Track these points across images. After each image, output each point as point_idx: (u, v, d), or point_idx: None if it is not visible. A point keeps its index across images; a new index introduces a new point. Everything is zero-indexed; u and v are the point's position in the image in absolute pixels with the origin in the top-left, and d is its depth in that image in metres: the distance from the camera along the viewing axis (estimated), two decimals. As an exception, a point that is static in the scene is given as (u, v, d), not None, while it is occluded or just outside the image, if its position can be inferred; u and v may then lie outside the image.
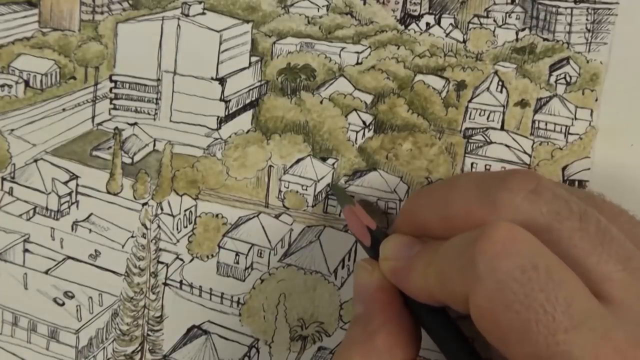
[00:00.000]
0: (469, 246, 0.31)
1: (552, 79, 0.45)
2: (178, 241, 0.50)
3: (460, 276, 0.32)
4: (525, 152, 0.46)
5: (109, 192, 0.50)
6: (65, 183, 0.50)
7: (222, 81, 0.48)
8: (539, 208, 0.33)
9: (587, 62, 0.45)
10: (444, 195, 0.37)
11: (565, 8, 0.45)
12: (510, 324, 0.29)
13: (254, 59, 0.48)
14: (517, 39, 0.45)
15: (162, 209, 0.50)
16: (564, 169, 0.45)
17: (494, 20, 0.45)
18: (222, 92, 0.48)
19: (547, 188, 0.34)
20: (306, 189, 0.49)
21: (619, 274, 0.31)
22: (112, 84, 0.49)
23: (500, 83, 0.46)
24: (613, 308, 0.30)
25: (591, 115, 0.45)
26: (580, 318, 0.29)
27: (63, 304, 0.51)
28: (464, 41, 0.46)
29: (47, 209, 0.50)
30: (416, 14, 0.46)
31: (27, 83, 0.49)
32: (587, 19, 0.44)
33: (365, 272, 0.39)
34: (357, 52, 0.47)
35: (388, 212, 0.48)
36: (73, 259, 0.51)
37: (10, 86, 0.49)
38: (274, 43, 0.48)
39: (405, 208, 0.41)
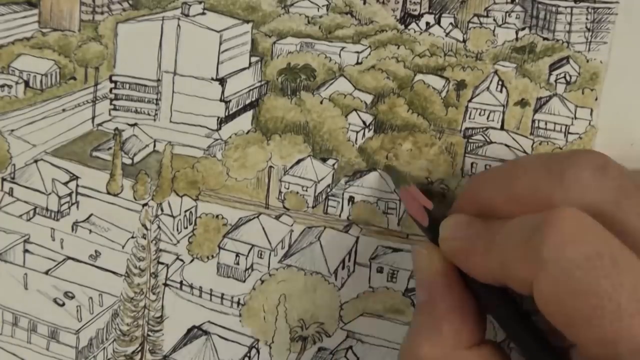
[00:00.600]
0: (534, 232, 0.31)
1: (552, 79, 0.45)
2: (178, 242, 0.50)
3: (524, 262, 0.32)
4: (525, 152, 0.46)
5: (109, 193, 0.50)
6: (66, 184, 0.50)
7: (222, 81, 0.48)
8: (606, 183, 0.33)
9: (587, 61, 0.45)
10: (509, 174, 0.37)
11: (565, 7, 0.45)
12: (575, 310, 0.30)
13: (254, 59, 0.48)
14: (517, 38, 0.45)
15: (162, 210, 0.50)
16: (564, 168, 0.45)
17: (494, 20, 0.45)
18: (222, 92, 0.48)
19: (614, 166, 0.34)
20: (306, 190, 0.48)
21: None
22: (112, 85, 0.49)
23: (500, 82, 0.46)
24: None
25: (591, 114, 0.45)
26: None
27: (63, 305, 0.51)
28: (464, 41, 0.46)
29: (47, 209, 0.50)
30: (416, 13, 0.46)
31: (27, 83, 0.49)
32: (587, 18, 0.44)
33: (423, 257, 0.39)
34: (357, 52, 0.47)
35: (388, 212, 0.48)
36: (73, 259, 0.51)
37: (10, 86, 0.49)
38: (274, 43, 0.48)
39: (467, 188, 0.41)
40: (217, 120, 0.49)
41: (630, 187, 0.33)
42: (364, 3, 0.47)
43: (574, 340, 0.31)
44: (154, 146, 0.49)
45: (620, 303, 0.29)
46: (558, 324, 0.31)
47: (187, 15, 0.48)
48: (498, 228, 0.35)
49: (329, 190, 0.48)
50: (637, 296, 0.29)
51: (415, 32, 0.46)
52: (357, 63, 0.47)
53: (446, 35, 0.46)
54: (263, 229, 0.49)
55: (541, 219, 0.31)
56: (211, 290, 0.50)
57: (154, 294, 0.50)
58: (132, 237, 0.50)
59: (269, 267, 0.49)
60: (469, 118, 0.46)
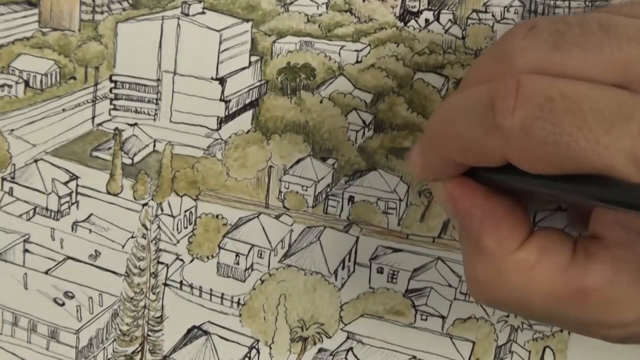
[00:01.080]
0: (486, 112, 0.31)
1: (551, 75, 0.44)
2: (178, 242, 0.50)
3: (487, 141, 0.31)
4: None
5: (109, 193, 0.50)
6: (65, 183, 0.50)
7: (222, 81, 0.48)
8: (540, 37, 0.32)
9: (586, 56, 0.44)
10: (466, 75, 0.37)
11: (563, 1, 0.44)
12: (556, 157, 0.29)
13: (253, 58, 0.48)
14: (515, 35, 0.45)
15: (162, 210, 0.49)
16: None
17: (493, 15, 0.45)
18: (222, 92, 0.48)
19: (542, 19, 0.33)
20: (306, 190, 0.48)
21: (635, 50, 0.30)
22: (112, 84, 0.49)
23: (499, 80, 0.45)
24: None
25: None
26: (615, 114, 0.28)
27: (63, 304, 0.51)
28: (463, 37, 0.45)
29: (47, 209, 0.50)
30: (415, 10, 0.46)
31: (27, 83, 0.49)
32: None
33: (439, 189, 0.37)
34: (357, 51, 0.47)
35: (388, 212, 0.47)
36: (73, 259, 0.51)
37: (10, 86, 0.49)
38: (274, 42, 0.48)
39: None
40: (217, 120, 0.48)
41: (561, 27, 0.32)
42: (363, 0, 0.46)
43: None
44: (154, 146, 0.49)
45: (591, 127, 0.28)
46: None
47: (186, 15, 0.48)
48: (436, 119, 0.34)
49: (328, 190, 0.48)
50: (603, 113, 0.28)
51: (414, 29, 0.46)
52: (357, 62, 0.47)
53: (445, 32, 0.45)
54: (263, 228, 0.49)
55: (487, 93, 0.31)
56: (211, 290, 0.50)
57: (154, 293, 0.50)
58: (132, 237, 0.50)
59: (269, 267, 0.49)
60: (469, 116, 0.46)
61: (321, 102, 0.47)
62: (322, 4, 0.47)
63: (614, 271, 0.33)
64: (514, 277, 0.34)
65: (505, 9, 0.45)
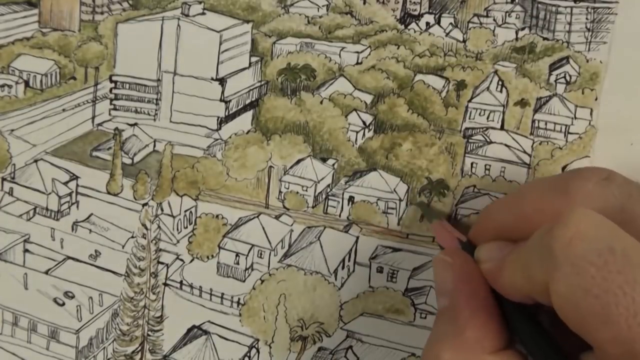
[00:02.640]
0: (546, 234, 0.31)
1: (552, 78, 0.45)
2: (178, 242, 0.50)
3: (540, 265, 0.32)
4: (525, 152, 0.46)
5: (109, 193, 0.50)
6: (66, 183, 0.50)
7: (222, 81, 0.48)
8: (612, 192, 0.33)
9: (587, 61, 0.45)
10: (517, 196, 0.38)
11: (565, 7, 0.45)
12: (590, 308, 0.29)
13: (254, 59, 0.48)
14: (516, 38, 0.45)
15: (162, 210, 0.50)
16: (563, 168, 0.45)
17: (494, 20, 0.45)
18: (222, 92, 0.48)
19: (617, 175, 0.34)
20: (306, 190, 0.48)
21: None
22: (112, 85, 0.49)
23: (500, 82, 0.46)
24: None
25: (591, 114, 0.45)
26: None
27: (63, 304, 0.51)
28: (464, 41, 0.46)
29: (47, 209, 0.50)
30: (416, 13, 0.46)
31: (27, 83, 0.49)
32: (586, 18, 0.44)
33: (446, 264, 0.39)
34: (357, 52, 0.47)
35: (388, 212, 0.48)
36: (73, 259, 0.51)
37: (10, 86, 0.49)
38: (274, 43, 0.48)
39: (481, 215, 0.41)
40: (217, 120, 0.49)
41: (635, 193, 0.33)
42: (364, 3, 0.47)
43: (591, 341, 0.30)
44: (154, 146, 0.49)
45: (634, 298, 0.28)
46: (575, 327, 0.31)
47: (187, 15, 0.48)
48: (519, 248, 0.35)
49: (329, 190, 0.48)
50: None
51: (415, 32, 0.46)
52: (357, 63, 0.47)
53: (446, 35, 0.46)
54: (263, 228, 0.49)
55: (554, 222, 0.32)
56: (211, 290, 0.50)
57: (154, 293, 0.50)
58: (132, 237, 0.50)
59: (269, 266, 0.49)
60: (469, 118, 0.46)
61: (321, 102, 0.48)
62: (323, 5, 0.47)
63: None
64: None
65: (507, 14, 0.45)
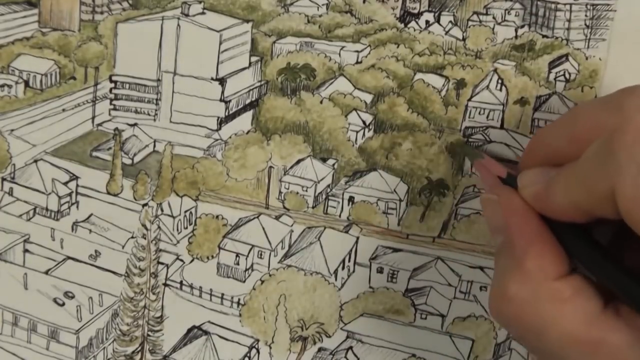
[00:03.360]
0: (607, 142, 0.31)
1: (552, 76, 0.45)
2: (178, 242, 0.50)
3: (603, 173, 0.31)
4: (525, 151, 0.45)
5: (109, 193, 0.50)
6: (65, 184, 0.50)
7: (222, 81, 0.48)
8: None
9: (586, 58, 0.44)
10: (569, 117, 0.37)
11: (564, 4, 0.44)
12: None
13: (253, 58, 0.48)
14: (516, 36, 0.45)
15: (162, 210, 0.50)
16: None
17: (493, 17, 0.45)
18: (222, 92, 0.48)
19: None
20: (306, 190, 0.48)
21: None
22: (112, 85, 0.49)
23: (499, 81, 0.45)
24: None
25: (592, 113, 0.45)
26: None
27: (63, 304, 0.51)
28: (464, 39, 0.45)
29: (47, 209, 0.50)
30: (416, 11, 0.46)
31: (27, 83, 0.49)
32: (586, 15, 0.44)
33: (493, 202, 0.39)
34: (357, 51, 0.47)
35: (388, 212, 0.48)
36: (73, 259, 0.51)
37: (10, 86, 0.49)
38: (274, 42, 0.48)
39: (530, 142, 0.40)
40: (217, 120, 0.48)
41: None
42: (364, 1, 0.47)
43: None
44: (154, 146, 0.49)
45: None
46: None
47: (186, 15, 0.48)
48: (576, 161, 0.34)
49: (329, 190, 0.48)
50: None
51: (415, 30, 0.46)
52: (357, 62, 0.47)
53: (446, 34, 0.46)
54: (263, 229, 0.49)
55: (612, 131, 0.31)
56: (211, 290, 0.50)
57: (153, 294, 0.50)
58: (132, 237, 0.50)
59: (269, 267, 0.49)
60: (469, 117, 0.46)
61: (321, 102, 0.47)
62: (322, 4, 0.47)
63: (638, 339, 0.33)
64: (545, 303, 0.35)
65: (506, 12, 0.45)
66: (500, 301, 0.36)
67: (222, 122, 0.49)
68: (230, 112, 0.48)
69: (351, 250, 0.48)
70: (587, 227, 0.36)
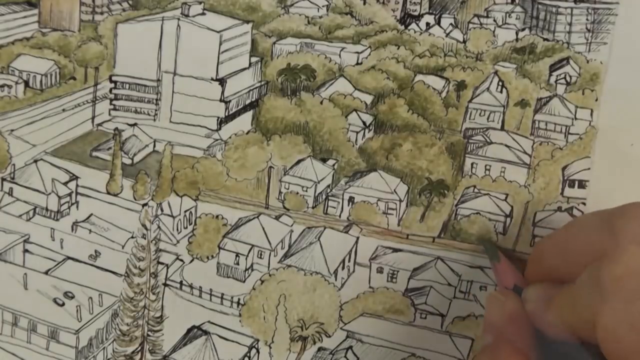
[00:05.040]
0: (596, 270, 0.32)
1: (552, 79, 0.45)
2: (178, 242, 0.50)
3: (589, 299, 0.32)
4: (525, 152, 0.46)
5: (109, 193, 0.50)
6: (65, 184, 0.50)
7: (222, 82, 0.48)
8: None
9: (587, 62, 0.45)
10: (564, 234, 0.39)
11: (566, 8, 0.45)
12: (633, 344, 0.30)
13: (254, 59, 0.48)
14: (517, 39, 0.45)
15: (162, 210, 0.50)
16: (564, 168, 0.45)
17: (494, 20, 0.45)
18: (222, 92, 0.48)
19: None
20: (306, 190, 0.48)
21: None
22: (112, 85, 0.49)
23: (500, 83, 0.46)
24: None
25: (591, 115, 0.45)
26: None
27: (63, 305, 0.51)
28: (464, 41, 0.46)
29: (47, 209, 0.50)
30: (416, 13, 0.46)
31: (27, 83, 0.49)
32: (587, 19, 0.44)
33: (498, 303, 0.41)
34: (357, 52, 0.47)
35: (388, 212, 0.48)
36: (73, 259, 0.51)
37: (10, 86, 0.49)
38: (274, 43, 0.48)
39: (531, 257, 0.42)
40: (217, 120, 0.49)
41: None
42: (364, 3, 0.47)
43: None
44: (154, 146, 0.49)
45: None
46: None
47: (187, 16, 0.48)
48: (569, 287, 0.36)
49: (329, 190, 0.48)
50: None
51: (415, 32, 0.46)
52: (357, 63, 0.47)
53: (446, 36, 0.46)
54: (263, 229, 0.49)
55: (604, 257, 0.32)
56: (211, 290, 0.50)
57: (153, 294, 0.50)
58: (132, 237, 0.50)
59: (268, 267, 0.49)
60: (469, 118, 0.46)
61: (321, 103, 0.48)
62: (323, 6, 0.47)
63: None
64: None
65: (507, 15, 0.45)
66: None
67: (222, 122, 0.49)
68: (230, 113, 0.49)
69: (351, 250, 0.49)
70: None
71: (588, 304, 0.33)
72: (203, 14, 0.48)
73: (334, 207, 0.48)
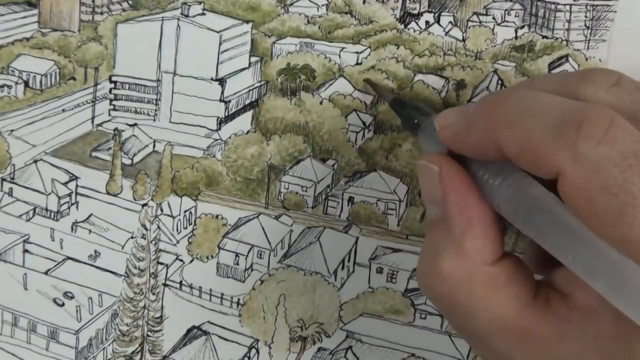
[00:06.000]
0: (569, 127, 0.30)
1: (552, 77, 0.45)
2: (178, 242, 0.50)
3: (555, 150, 0.30)
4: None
5: (108, 193, 0.50)
6: (65, 184, 0.50)
7: (221, 82, 0.48)
8: (622, 99, 0.33)
9: (586, 59, 0.44)
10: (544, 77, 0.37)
11: (564, 5, 0.45)
12: (606, 205, 0.29)
13: (253, 59, 0.48)
14: (516, 37, 0.45)
15: (161, 210, 0.50)
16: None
17: (493, 18, 0.45)
18: (222, 92, 0.48)
19: (628, 81, 0.34)
20: (306, 190, 0.48)
21: None
22: (112, 85, 0.49)
23: (499, 82, 0.46)
24: None
25: (591, 114, 0.45)
26: None
27: (63, 305, 0.51)
28: (464, 40, 0.46)
29: (46, 209, 0.50)
30: (416, 12, 0.46)
31: (26, 83, 0.49)
32: (586, 16, 0.44)
33: (432, 172, 0.36)
34: (357, 52, 0.47)
35: (388, 212, 0.48)
36: (73, 259, 0.51)
37: (10, 87, 0.49)
38: (274, 43, 0.48)
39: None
40: (217, 120, 0.49)
41: None
42: (364, 2, 0.47)
43: (598, 234, 0.30)
44: (154, 146, 0.49)
45: None
46: (583, 217, 0.30)
47: (186, 16, 0.48)
48: (511, 101, 0.33)
49: (328, 190, 0.48)
50: None
51: (414, 31, 0.46)
52: (357, 63, 0.47)
53: (446, 34, 0.46)
54: (263, 229, 0.49)
55: (577, 111, 0.31)
56: (211, 290, 0.50)
57: (153, 294, 0.50)
58: (132, 237, 0.50)
59: (268, 267, 0.49)
60: (469, 117, 0.46)
61: (321, 103, 0.47)
62: (322, 5, 0.47)
63: (566, 333, 0.33)
64: (479, 286, 0.34)
65: (506, 12, 0.45)
66: (434, 277, 0.35)
67: (221, 122, 0.49)
68: (230, 112, 0.49)
69: (351, 250, 0.48)
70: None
71: (551, 152, 0.31)
72: (203, 14, 0.48)
73: (334, 207, 0.48)
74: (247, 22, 0.48)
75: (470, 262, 0.34)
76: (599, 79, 0.34)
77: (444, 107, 0.46)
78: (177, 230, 0.50)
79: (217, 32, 0.48)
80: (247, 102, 0.48)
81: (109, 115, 0.50)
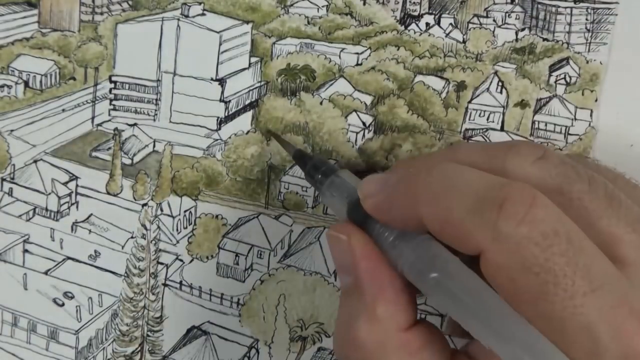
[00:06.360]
0: (491, 206, 0.31)
1: (552, 80, 0.45)
2: (178, 242, 0.50)
3: (476, 230, 0.31)
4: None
5: (108, 193, 0.50)
6: (65, 184, 0.50)
7: (221, 82, 0.48)
8: (548, 172, 0.33)
9: (587, 62, 0.45)
10: (465, 147, 0.37)
11: (565, 8, 0.45)
12: (527, 284, 0.29)
13: (253, 59, 0.48)
14: (516, 39, 0.45)
15: (161, 210, 0.50)
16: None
17: (494, 20, 0.45)
18: (222, 92, 0.48)
19: (553, 155, 0.34)
20: (306, 190, 0.48)
21: (629, 235, 0.32)
22: (112, 85, 0.49)
23: (500, 84, 0.46)
24: (626, 270, 0.31)
25: (591, 115, 0.45)
26: (599, 282, 0.29)
27: (63, 305, 0.51)
28: (464, 41, 0.46)
29: (46, 209, 0.50)
30: (416, 13, 0.46)
31: (26, 83, 0.49)
32: (586, 19, 0.44)
33: (342, 242, 0.37)
34: (357, 53, 0.47)
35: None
36: (73, 259, 0.51)
37: (9, 87, 0.49)
38: (274, 43, 0.48)
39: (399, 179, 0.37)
40: (217, 120, 0.49)
41: (572, 175, 0.33)
42: (364, 4, 0.47)
43: (520, 312, 0.30)
44: (154, 146, 0.49)
45: (574, 281, 0.29)
46: (504, 295, 0.30)
47: (186, 16, 0.48)
48: (434, 176, 0.33)
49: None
50: (590, 276, 0.29)
51: (415, 33, 0.46)
52: (357, 64, 0.47)
53: (446, 36, 0.46)
54: (262, 229, 0.49)
55: (499, 189, 0.31)
56: (211, 290, 0.50)
57: (153, 294, 0.50)
58: (132, 237, 0.50)
59: (268, 267, 0.49)
60: (469, 119, 0.46)
61: (321, 103, 0.48)
62: (322, 6, 0.47)
63: None
64: (394, 354, 0.34)
65: (507, 15, 0.45)
66: (349, 345, 0.36)
67: (221, 122, 0.49)
68: (230, 113, 0.49)
69: (351, 250, 0.49)
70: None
71: (472, 230, 0.31)
72: (203, 14, 0.48)
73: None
74: (247, 22, 0.48)
75: (384, 327, 0.35)
76: (526, 152, 0.34)
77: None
78: (177, 230, 0.50)
79: (217, 32, 0.48)
80: (247, 102, 0.48)
81: (109, 115, 0.50)
